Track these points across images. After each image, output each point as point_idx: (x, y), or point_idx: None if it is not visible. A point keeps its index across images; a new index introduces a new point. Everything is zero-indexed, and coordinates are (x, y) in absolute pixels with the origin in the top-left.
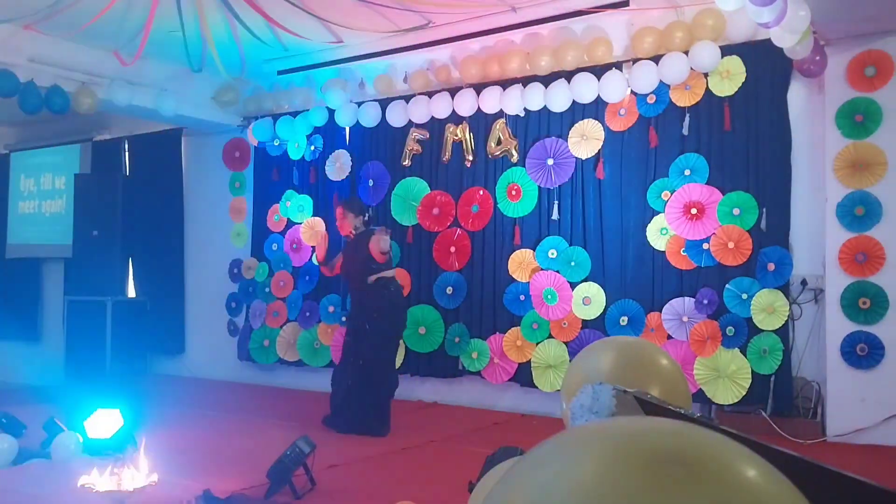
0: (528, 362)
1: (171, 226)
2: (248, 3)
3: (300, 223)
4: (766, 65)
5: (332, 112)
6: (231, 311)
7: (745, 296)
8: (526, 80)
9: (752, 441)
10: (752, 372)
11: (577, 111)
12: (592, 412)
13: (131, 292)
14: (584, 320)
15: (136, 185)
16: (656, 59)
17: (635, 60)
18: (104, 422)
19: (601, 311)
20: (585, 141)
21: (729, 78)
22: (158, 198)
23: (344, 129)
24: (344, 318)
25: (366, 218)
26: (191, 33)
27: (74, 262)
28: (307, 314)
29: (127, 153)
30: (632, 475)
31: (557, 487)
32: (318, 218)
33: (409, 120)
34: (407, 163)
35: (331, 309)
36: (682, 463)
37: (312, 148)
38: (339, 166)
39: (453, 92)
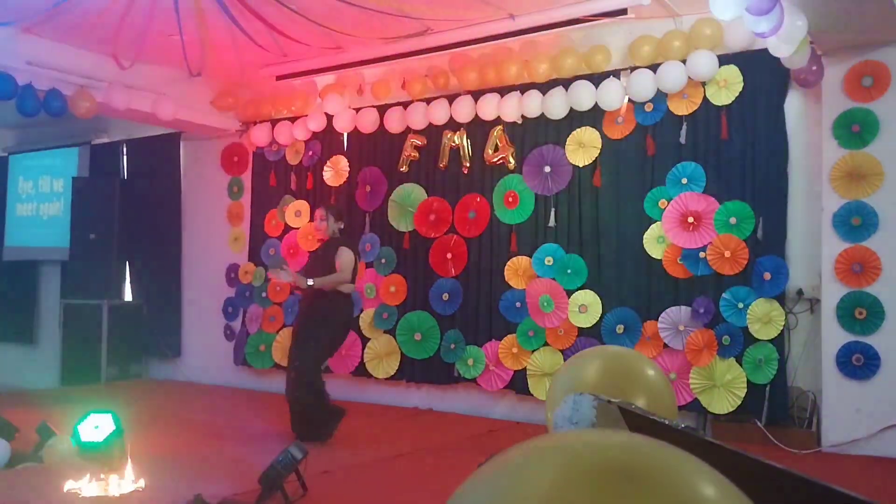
0: (524, 370)
1: (168, 229)
2: (246, 9)
3: (297, 228)
4: (763, 74)
5: (330, 118)
6: (228, 316)
7: (741, 305)
8: (524, 88)
9: (726, 450)
10: (748, 381)
11: (575, 119)
12: (572, 423)
13: (128, 296)
14: (580, 328)
15: (133, 188)
16: (654, 67)
17: (633, 68)
18: (97, 426)
19: (597, 319)
20: (583, 148)
21: (726, 87)
22: (156, 201)
23: (342, 134)
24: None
25: (342, 226)
26: (189, 37)
27: (71, 265)
28: None
29: (125, 156)
30: (581, 488)
31: (511, 497)
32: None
33: (407, 126)
34: (404, 169)
35: None
36: (629, 477)
37: (310, 153)
38: (336, 172)
39: (451, 98)
